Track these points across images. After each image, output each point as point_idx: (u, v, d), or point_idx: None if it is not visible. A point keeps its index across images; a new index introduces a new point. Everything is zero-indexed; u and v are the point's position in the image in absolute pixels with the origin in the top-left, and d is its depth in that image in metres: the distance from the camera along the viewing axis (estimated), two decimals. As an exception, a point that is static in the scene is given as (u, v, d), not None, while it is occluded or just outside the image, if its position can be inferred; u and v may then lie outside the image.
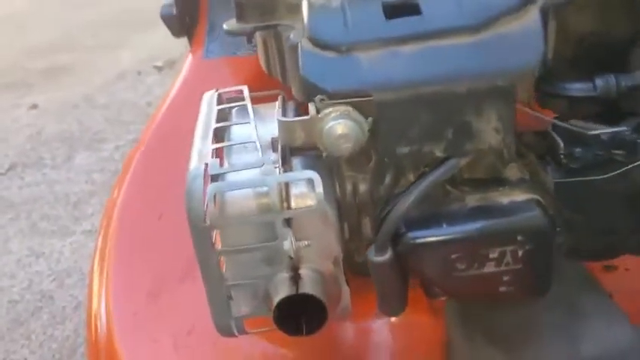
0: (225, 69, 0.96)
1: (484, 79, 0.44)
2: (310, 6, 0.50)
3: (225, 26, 0.58)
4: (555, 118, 0.55)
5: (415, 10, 0.47)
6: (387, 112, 0.45)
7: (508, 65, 0.44)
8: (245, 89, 0.58)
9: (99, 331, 0.72)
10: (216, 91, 0.59)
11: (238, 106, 0.56)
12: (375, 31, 0.46)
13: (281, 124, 0.46)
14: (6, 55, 2.82)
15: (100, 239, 0.83)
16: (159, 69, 2.50)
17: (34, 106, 2.38)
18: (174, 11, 0.99)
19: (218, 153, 0.51)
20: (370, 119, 0.45)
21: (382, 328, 0.61)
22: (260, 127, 0.52)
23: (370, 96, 0.44)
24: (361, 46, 0.46)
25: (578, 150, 0.51)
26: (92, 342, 0.73)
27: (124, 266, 0.78)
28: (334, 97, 0.45)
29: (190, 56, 1.03)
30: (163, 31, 1.02)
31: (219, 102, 0.58)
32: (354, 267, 0.52)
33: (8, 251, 1.61)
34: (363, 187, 0.51)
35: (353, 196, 0.51)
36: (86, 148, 2.01)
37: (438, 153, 0.46)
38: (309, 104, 0.46)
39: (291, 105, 0.57)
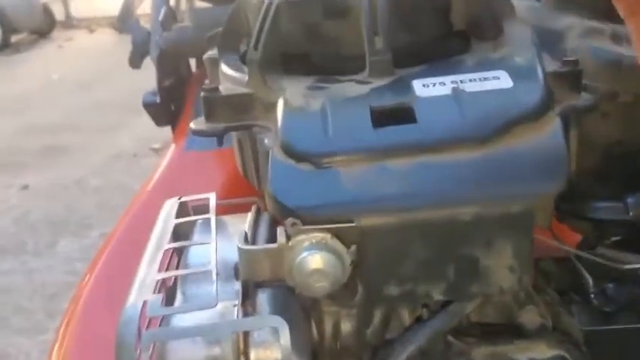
0: (207, 163, 0.89)
1: (494, 203, 0.35)
2: (286, 107, 0.42)
3: (192, 125, 0.50)
4: (578, 244, 0.46)
5: (409, 117, 0.39)
6: (372, 241, 0.36)
7: (524, 187, 0.35)
8: (212, 198, 0.49)
9: None
10: (179, 199, 0.51)
11: (201, 219, 0.47)
12: (360, 140, 0.38)
13: (242, 253, 0.37)
14: (5, 136, 2.80)
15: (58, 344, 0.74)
16: (156, 151, 2.46)
17: (25, 187, 2.32)
18: (158, 99, 0.93)
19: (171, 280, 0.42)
20: (353, 248, 0.36)
21: None
22: (225, 246, 0.43)
23: (352, 221, 0.35)
24: (343, 159, 0.37)
25: (610, 287, 0.42)
26: None
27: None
28: (308, 221, 0.36)
29: (172, 147, 0.96)
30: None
31: (183, 212, 0.50)
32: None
33: (-28, 350, 1.48)
34: (346, 327, 0.41)
35: (334, 339, 0.41)
36: (71, 234, 1.92)
37: (437, 296, 0.36)
38: (278, 228, 0.37)
39: (265, 219, 0.48)
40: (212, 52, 0.57)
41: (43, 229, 1.98)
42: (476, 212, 0.35)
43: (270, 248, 0.36)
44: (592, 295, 0.41)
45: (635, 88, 0.48)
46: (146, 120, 1.01)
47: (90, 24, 6.35)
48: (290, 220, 0.36)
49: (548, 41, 0.54)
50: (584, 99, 0.42)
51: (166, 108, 0.95)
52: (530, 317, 0.39)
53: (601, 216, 0.45)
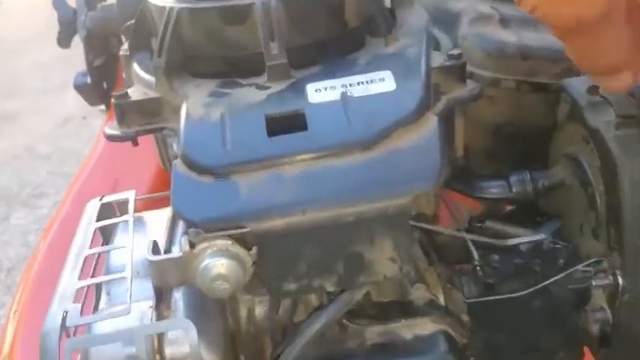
0: (144, 138, 0.91)
1: (373, 204, 0.39)
2: (188, 117, 0.44)
3: (106, 130, 0.52)
4: (469, 219, 0.51)
5: (301, 124, 0.42)
6: (269, 244, 0.39)
7: (399, 188, 0.39)
8: (131, 197, 0.52)
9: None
10: (101, 200, 0.53)
11: (121, 221, 0.50)
12: (255, 151, 0.41)
13: (151, 264, 0.40)
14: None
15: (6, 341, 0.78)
16: (105, 112, 2.42)
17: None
18: (89, 80, 0.93)
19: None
20: (254, 249, 0.40)
21: None
22: (144, 245, 0.46)
23: (246, 228, 0.39)
24: (240, 169, 0.41)
25: (495, 258, 0.47)
26: None
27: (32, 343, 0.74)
28: (211, 230, 0.39)
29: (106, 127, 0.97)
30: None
31: (107, 210, 0.53)
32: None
33: None
34: (259, 313, 0.45)
35: (248, 324, 0.45)
36: (24, 206, 1.91)
37: (330, 288, 0.40)
38: (182, 237, 0.40)
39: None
40: (126, 48, 0.58)
41: (-5, 202, 1.97)
42: (358, 213, 0.39)
43: (176, 257, 0.39)
44: (478, 267, 0.45)
45: (516, 74, 0.52)
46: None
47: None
48: (193, 231, 0.39)
49: (446, 22, 0.57)
50: (469, 89, 0.46)
51: (98, 88, 0.95)
52: (419, 294, 0.44)
53: (487, 194, 0.49)
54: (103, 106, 2.65)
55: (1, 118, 2.55)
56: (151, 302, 0.42)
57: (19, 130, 2.44)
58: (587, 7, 0.35)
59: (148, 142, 0.97)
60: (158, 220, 0.51)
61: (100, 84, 0.96)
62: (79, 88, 0.94)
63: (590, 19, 0.35)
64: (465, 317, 0.44)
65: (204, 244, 0.39)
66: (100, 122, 2.40)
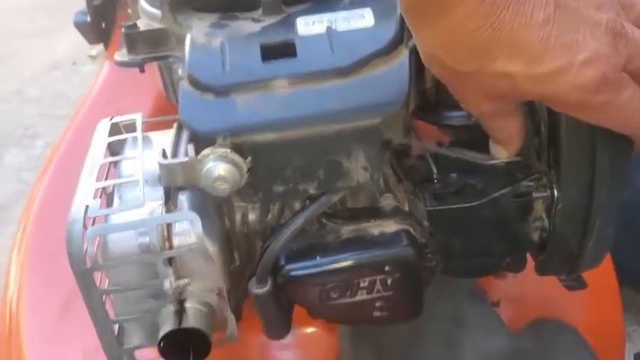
0: (141, 78, 0.97)
1: (349, 120, 0.46)
2: (192, 44, 0.51)
3: (116, 57, 0.59)
4: (437, 144, 0.59)
5: (291, 52, 0.49)
6: (261, 153, 0.47)
7: (370, 107, 0.46)
8: (138, 118, 0.59)
9: (11, 344, 0.74)
10: (111, 119, 0.60)
11: (130, 136, 0.57)
12: (250, 73, 0.48)
13: (161, 167, 0.47)
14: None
15: (15, 252, 0.84)
16: (93, 58, 2.45)
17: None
18: (88, 19, 0.98)
19: (110, 187, 0.52)
20: (249, 159, 0.47)
21: (280, 342, 0.64)
22: (150, 159, 0.53)
23: (246, 139, 0.46)
24: (237, 89, 0.48)
25: (453, 176, 0.55)
26: (4, 354, 0.75)
27: (38, 279, 0.80)
28: (211, 139, 0.46)
29: (106, 64, 1.03)
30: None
31: (115, 131, 0.59)
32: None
33: None
34: (252, 217, 0.53)
35: (242, 226, 0.53)
36: (17, 145, 1.96)
37: (312, 191, 0.48)
38: (189, 145, 0.48)
39: (186, 134, 0.58)
40: (133, -17, 0.64)
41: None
42: (338, 129, 0.46)
43: (184, 161, 0.47)
44: (435, 182, 0.53)
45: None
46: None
47: None
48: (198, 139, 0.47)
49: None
50: None
51: (97, 26, 1.00)
52: (387, 202, 0.51)
53: (450, 122, 0.56)
54: (93, 52, 2.65)
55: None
56: (160, 202, 0.49)
57: (6, 73, 2.45)
58: None
59: (144, 80, 1.02)
60: (162, 138, 0.58)
61: (99, 23, 1.01)
62: (79, 25, 0.99)
63: None
64: (426, 223, 0.52)
65: (207, 151, 0.46)
66: (89, 68, 2.44)
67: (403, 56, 0.49)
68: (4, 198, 1.74)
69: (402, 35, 0.50)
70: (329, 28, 0.50)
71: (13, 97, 2.27)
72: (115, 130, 0.60)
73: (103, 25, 1.02)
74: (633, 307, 1.20)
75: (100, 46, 1.11)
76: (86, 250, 0.45)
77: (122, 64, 0.58)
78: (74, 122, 0.94)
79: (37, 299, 0.78)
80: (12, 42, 2.65)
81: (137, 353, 0.51)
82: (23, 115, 2.15)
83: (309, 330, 0.64)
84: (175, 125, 0.59)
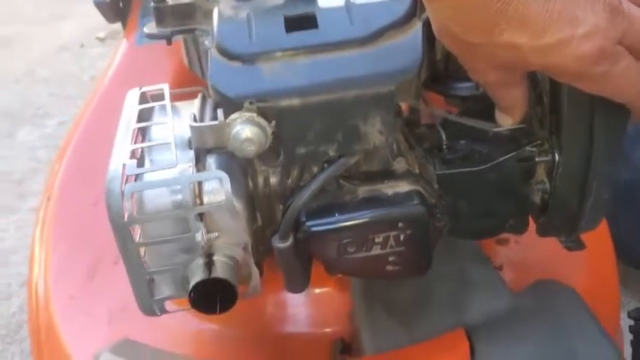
0: (158, 55, 1.00)
1: (366, 87, 0.50)
2: (220, 17, 0.55)
3: (145, 29, 0.62)
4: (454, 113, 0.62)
5: (313, 24, 0.53)
6: (285, 117, 0.50)
7: (387, 74, 0.50)
8: (166, 88, 0.62)
9: (39, 308, 0.78)
10: (140, 89, 0.64)
11: (159, 105, 0.61)
12: (275, 43, 0.52)
13: (192, 129, 0.51)
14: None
15: (39, 223, 0.88)
16: (102, 40, 2.48)
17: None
18: (107, -1, 1.02)
19: (139, 152, 0.56)
20: (274, 123, 0.51)
21: (296, 300, 0.69)
22: (179, 125, 0.57)
23: (272, 103, 0.50)
24: (263, 57, 0.51)
25: (461, 143, 0.59)
26: (32, 318, 0.79)
27: (63, 248, 0.84)
28: (239, 103, 0.50)
29: (124, 42, 1.06)
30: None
31: (143, 100, 0.63)
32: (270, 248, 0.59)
33: (-50, 229, 1.61)
34: (273, 180, 0.57)
35: (265, 188, 0.57)
36: (29, 124, 2.00)
37: (332, 153, 0.52)
38: (218, 110, 0.51)
39: (210, 103, 0.62)
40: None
41: (1, 120, 2.05)
42: (356, 94, 0.50)
43: (214, 124, 0.51)
44: (445, 148, 0.57)
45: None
46: (90, 7, 1.08)
47: None
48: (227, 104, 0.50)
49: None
50: None
51: (115, 5, 1.04)
52: (400, 165, 0.55)
53: (458, 92, 0.60)
54: (100, 34, 2.68)
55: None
56: (190, 164, 0.53)
57: (15, 55, 2.49)
58: None
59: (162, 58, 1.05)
60: (188, 106, 0.62)
61: (117, 3, 1.04)
62: (99, 5, 1.02)
63: None
64: (435, 185, 0.56)
65: (236, 115, 0.50)
66: (97, 50, 2.47)
67: (417, 28, 0.53)
68: (20, 174, 1.78)
69: (415, 8, 0.54)
70: (347, 1, 0.54)
71: (25, 77, 2.31)
72: (143, 99, 0.64)
73: (121, 4, 1.06)
74: (632, 283, 1.24)
75: (108, 29, 1.14)
76: (124, 204, 0.49)
77: (152, 36, 0.61)
78: (95, 97, 0.98)
79: (62, 266, 0.82)
80: (21, 26, 2.68)
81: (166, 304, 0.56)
82: (34, 94, 2.19)
83: (324, 289, 0.68)
84: (200, 95, 0.62)
